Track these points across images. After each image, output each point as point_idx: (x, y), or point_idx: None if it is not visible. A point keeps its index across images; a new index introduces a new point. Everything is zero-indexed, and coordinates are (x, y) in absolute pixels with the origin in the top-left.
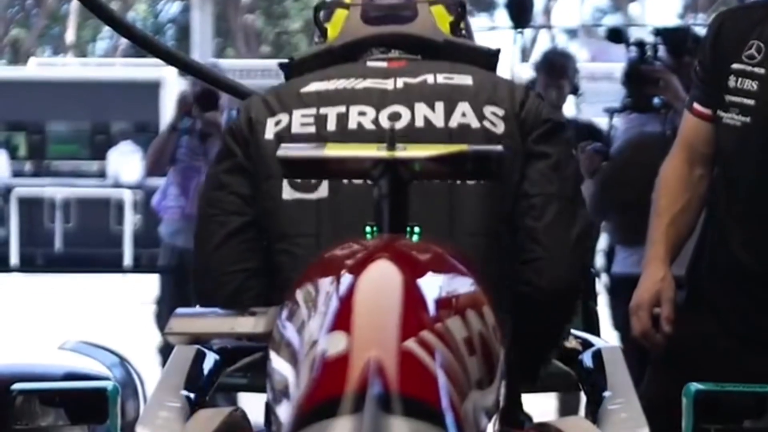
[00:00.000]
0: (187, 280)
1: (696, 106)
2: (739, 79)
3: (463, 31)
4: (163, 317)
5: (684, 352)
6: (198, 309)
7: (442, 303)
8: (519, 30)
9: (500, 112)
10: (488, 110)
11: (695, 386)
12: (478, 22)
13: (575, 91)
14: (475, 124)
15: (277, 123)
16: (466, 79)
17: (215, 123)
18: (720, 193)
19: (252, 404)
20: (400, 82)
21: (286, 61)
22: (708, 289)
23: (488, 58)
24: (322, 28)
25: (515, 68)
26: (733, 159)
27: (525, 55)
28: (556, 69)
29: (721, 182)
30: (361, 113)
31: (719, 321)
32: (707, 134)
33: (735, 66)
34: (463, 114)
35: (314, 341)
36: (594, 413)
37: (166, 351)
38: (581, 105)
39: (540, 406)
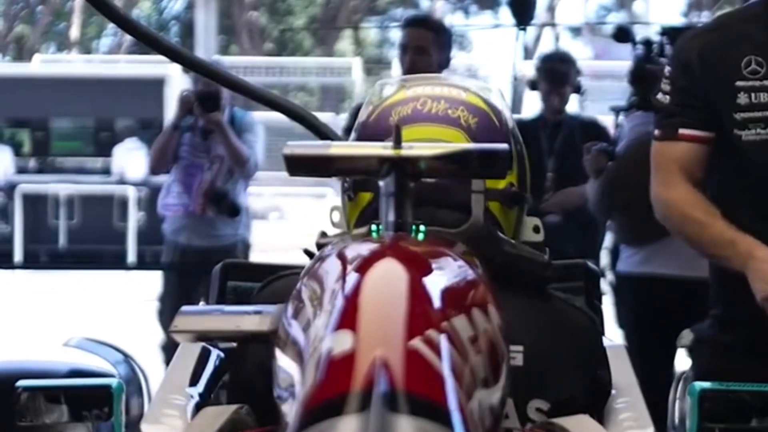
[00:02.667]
0: (189, 278)
1: (685, 131)
2: (752, 95)
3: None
4: (165, 314)
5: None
6: (203, 307)
7: (448, 301)
8: (522, 27)
9: (545, 406)
10: (533, 405)
11: (700, 385)
12: (481, 20)
13: (578, 89)
14: (515, 424)
15: None
16: (516, 348)
17: (217, 122)
18: (742, 213)
19: None
20: None
21: (311, 250)
22: (742, 315)
23: (541, 281)
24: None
25: (518, 66)
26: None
27: (528, 52)
28: (558, 77)
29: (748, 201)
30: None
31: (758, 351)
32: (703, 157)
33: (740, 83)
34: (506, 416)
35: (320, 340)
36: (599, 412)
37: (168, 348)
38: (585, 103)
39: None
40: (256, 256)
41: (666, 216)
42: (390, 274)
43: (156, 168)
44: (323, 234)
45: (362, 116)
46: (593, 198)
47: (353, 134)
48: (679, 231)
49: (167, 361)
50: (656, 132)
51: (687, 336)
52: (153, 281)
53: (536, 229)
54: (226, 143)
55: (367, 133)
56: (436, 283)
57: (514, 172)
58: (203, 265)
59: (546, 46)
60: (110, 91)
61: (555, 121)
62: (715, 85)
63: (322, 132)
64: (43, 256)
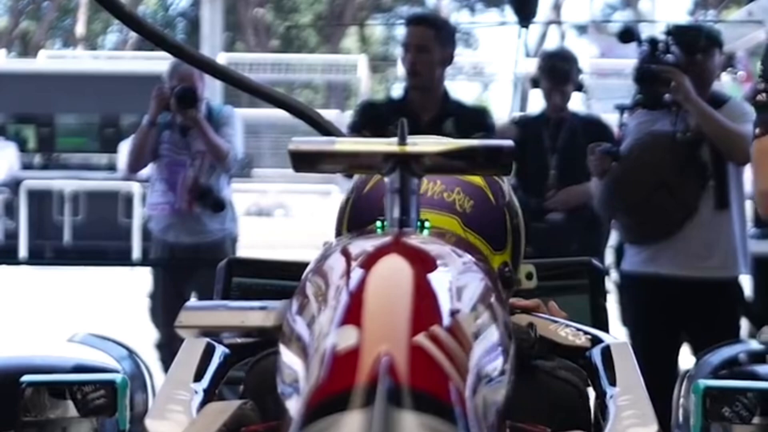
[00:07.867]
0: (179, 275)
1: None
2: None
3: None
4: (156, 312)
5: None
6: (207, 302)
7: (453, 297)
8: (524, 25)
9: None
10: None
11: (704, 383)
12: (487, 17)
13: (580, 87)
14: None
15: None
16: None
17: (195, 119)
18: None
19: None
20: None
21: None
22: None
23: (527, 359)
24: None
25: (521, 63)
26: None
27: (533, 50)
28: (560, 75)
29: None
30: None
31: None
32: None
33: None
34: None
35: (324, 335)
36: (602, 409)
37: (162, 346)
38: (590, 101)
39: None
40: (261, 253)
41: None
42: (395, 270)
43: (134, 166)
44: None
45: (358, 182)
46: (598, 198)
47: (348, 202)
48: None
49: (162, 359)
50: (757, 131)
51: (767, 332)
52: None
53: (529, 276)
54: (204, 139)
55: (362, 206)
56: (441, 279)
57: (507, 250)
58: (193, 261)
59: (552, 44)
60: (115, 87)
61: (557, 118)
62: None
63: (326, 129)
64: (48, 252)
